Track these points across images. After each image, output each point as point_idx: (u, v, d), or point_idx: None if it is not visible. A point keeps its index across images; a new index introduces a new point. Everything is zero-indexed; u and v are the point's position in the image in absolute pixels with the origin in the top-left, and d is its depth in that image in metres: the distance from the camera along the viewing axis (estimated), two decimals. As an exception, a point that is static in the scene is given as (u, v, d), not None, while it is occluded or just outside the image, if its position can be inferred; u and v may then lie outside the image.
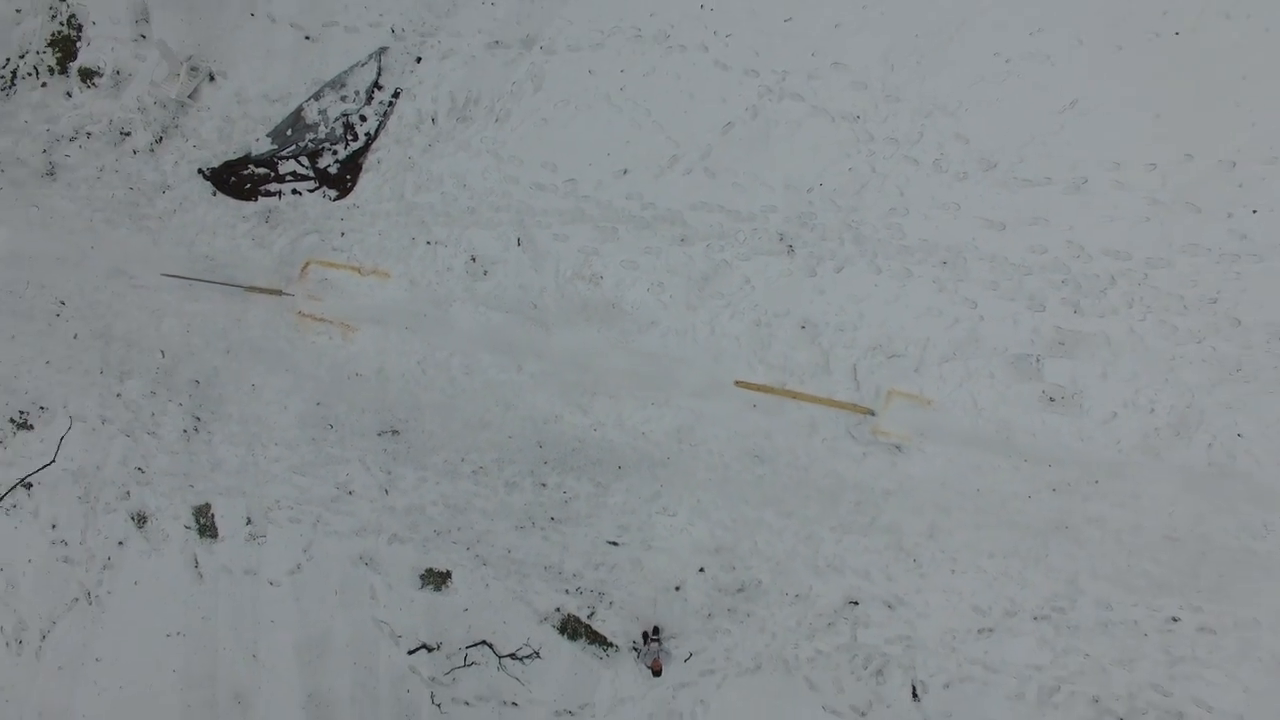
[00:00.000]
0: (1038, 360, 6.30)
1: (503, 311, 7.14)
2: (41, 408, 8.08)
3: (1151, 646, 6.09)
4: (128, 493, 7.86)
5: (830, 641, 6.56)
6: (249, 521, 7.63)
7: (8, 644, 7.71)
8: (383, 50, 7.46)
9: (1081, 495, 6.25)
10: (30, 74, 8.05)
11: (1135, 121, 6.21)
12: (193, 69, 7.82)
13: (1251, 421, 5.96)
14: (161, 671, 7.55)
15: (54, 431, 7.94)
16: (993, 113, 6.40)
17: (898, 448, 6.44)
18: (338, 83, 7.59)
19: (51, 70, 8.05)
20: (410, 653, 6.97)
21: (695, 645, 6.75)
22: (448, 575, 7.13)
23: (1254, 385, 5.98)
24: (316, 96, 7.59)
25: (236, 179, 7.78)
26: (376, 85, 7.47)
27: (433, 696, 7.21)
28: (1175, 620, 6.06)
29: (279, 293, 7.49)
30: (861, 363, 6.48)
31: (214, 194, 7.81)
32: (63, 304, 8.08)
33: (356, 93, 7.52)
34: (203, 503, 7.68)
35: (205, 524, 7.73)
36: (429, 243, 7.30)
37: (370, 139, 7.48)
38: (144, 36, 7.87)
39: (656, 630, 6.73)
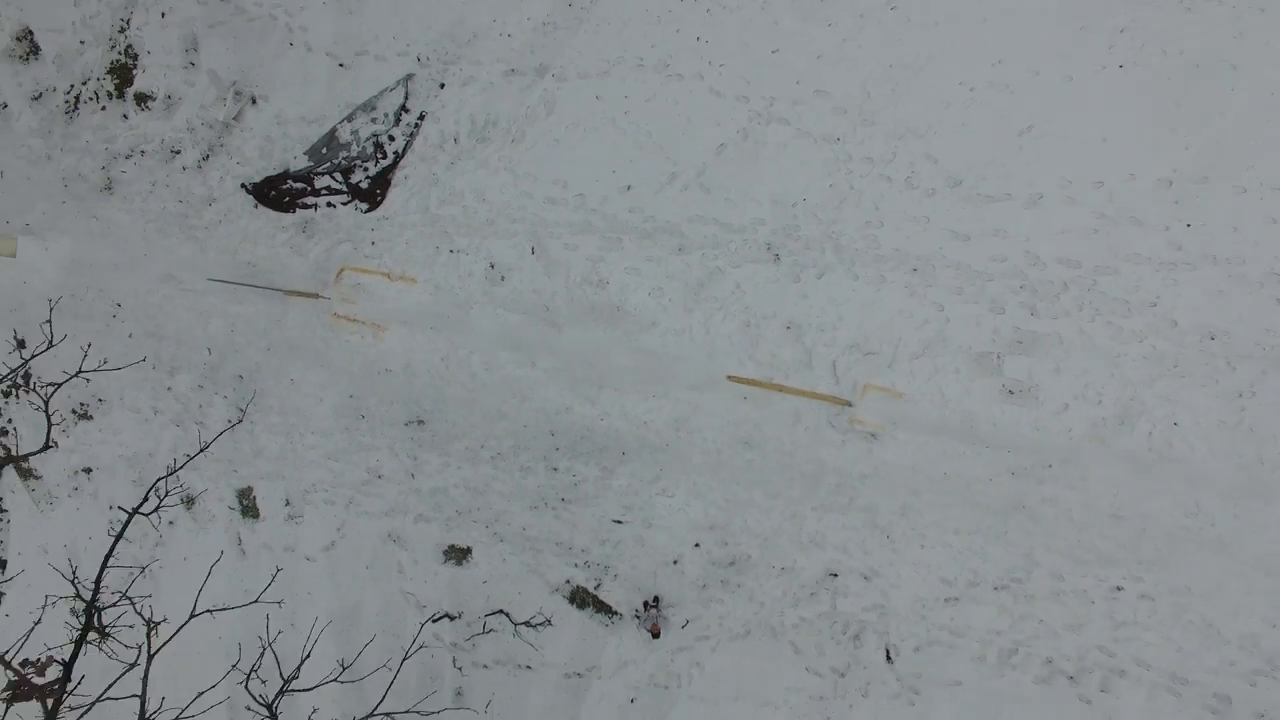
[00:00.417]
0: (998, 357, 6.72)
1: (518, 313, 7.61)
2: (99, 400, 8.65)
3: (1098, 613, 6.53)
4: (179, 478, 8.53)
5: (812, 610, 7.01)
6: (288, 503, 8.21)
7: (73, 612, 8.34)
8: (409, 77, 7.91)
9: (1037, 478, 6.66)
10: (91, 98, 8.62)
11: (1084, 144, 6.58)
12: (237, 93, 8.44)
13: (1186, 412, 6.38)
14: (208, 638, 8.15)
15: (111, 421, 8.55)
16: (958, 135, 6.79)
17: (873, 436, 6.88)
18: (368, 106, 8.03)
19: (110, 95, 8.61)
20: (434, 620, 7.55)
21: (691, 613, 7.21)
22: (468, 551, 7.65)
23: (1188, 380, 6.40)
24: (349, 118, 8.01)
25: (276, 193, 8.19)
26: (404, 108, 7.91)
27: (454, 660, 7.77)
28: (1119, 589, 6.50)
29: (315, 296, 8.02)
30: (840, 359, 6.93)
31: (255, 206, 8.23)
32: (119, 306, 8.64)
33: (385, 115, 7.98)
34: (245, 486, 8.21)
35: (248, 505, 8.31)
36: (451, 251, 7.84)
37: (398, 157, 7.92)
38: (193, 64, 8.34)
39: (656, 599, 7.20)
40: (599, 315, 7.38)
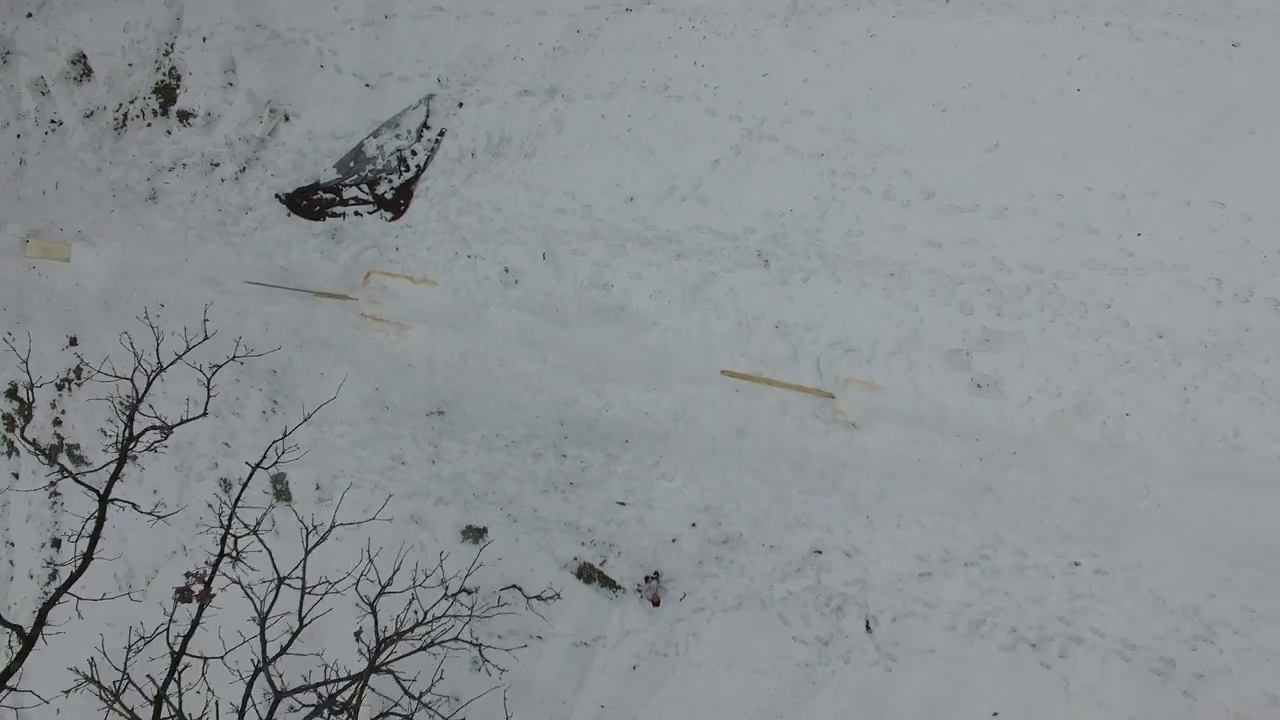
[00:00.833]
0: (967, 354, 7.17)
1: (530, 313, 8.09)
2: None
3: (1057, 586, 6.96)
4: (216, 463, 8.88)
5: (799, 584, 7.44)
6: (318, 487, 8.71)
7: (119, 586, 8.87)
8: (430, 97, 8.40)
9: (1002, 464, 7.10)
10: (138, 116, 9.16)
11: (1046, 160, 7.06)
12: (272, 111, 8.99)
13: (1137, 404, 6.84)
14: (245, 610, 8.70)
15: (159, 411, 9.06)
16: (932, 152, 7.27)
17: (853, 425, 7.34)
18: (393, 123, 8.51)
19: (155, 112, 9.16)
20: (453, 595, 8.08)
21: (688, 587, 7.65)
22: (484, 531, 8.11)
23: (1138, 375, 6.84)
24: (375, 134, 8.50)
25: (308, 202, 8.69)
26: (425, 125, 8.39)
27: (471, 631, 8.33)
28: (1076, 564, 6.96)
29: (344, 297, 8.55)
30: (824, 356, 7.40)
31: (288, 215, 8.74)
32: (162, 306, 9.10)
33: (408, 132, 8.44)
34: (279, 472, 8.74)
35: (281, 490, 8.82)
36: (469, 256, 8.35)
37: (420, 170, 8.40)
38: (231, 85, 8.87)
39: (656, 574, 7.62)
40: (604, 315, 7.86)
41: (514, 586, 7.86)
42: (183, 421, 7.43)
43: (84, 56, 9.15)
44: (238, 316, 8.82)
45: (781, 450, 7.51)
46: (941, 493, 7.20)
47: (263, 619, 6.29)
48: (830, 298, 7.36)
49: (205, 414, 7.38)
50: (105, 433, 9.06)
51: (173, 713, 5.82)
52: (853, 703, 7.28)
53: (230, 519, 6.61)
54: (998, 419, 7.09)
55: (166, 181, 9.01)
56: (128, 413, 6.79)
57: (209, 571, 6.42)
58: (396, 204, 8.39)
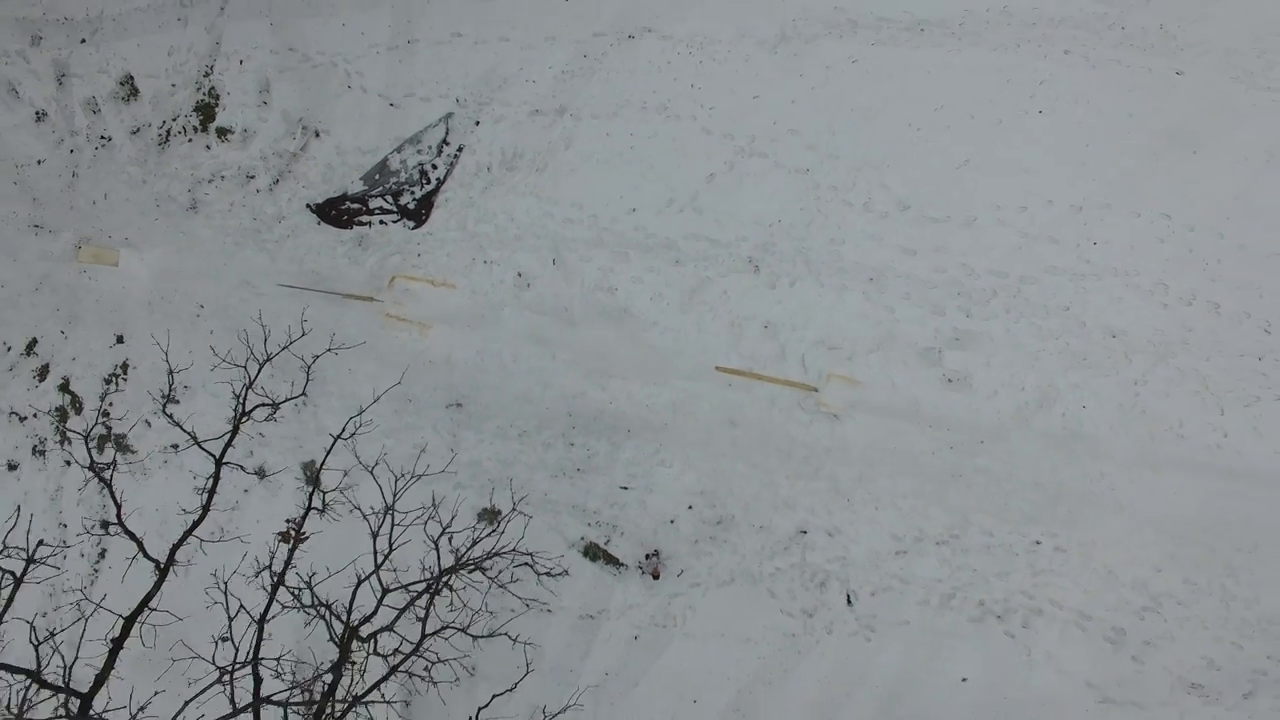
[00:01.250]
0: (939, 352, 7.63)
1: (541, 314, 8.57)
2: (185, 386, 9.73)
3: (1020, 563, 7.40)
4: (251, 452, 9.33)
5: (785, 561, 7.89)
6: (345, 474, 9.33)
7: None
8: (450, 115, 8.90)
9: (971, 452, 7.56)
10: (180, 132, 9.74)
11: (1011, 176, 7.53)
12: (303, 128, 9.57)
13: (1092, 397, 7.30)
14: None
15: (195, 405, 9.68)
16: (907, 167, 7.75)
17: (835, 416, 7.80)
18: (415, 139, 9.01)
19: (196, 129, 9.71)
20: (470, 571, 8.66)
21: (685, 564, 8.10)
22: (499, 513, 8.78)
23: (1094, 371, 7.31)
24: (398, 150, 9.00)
25: (336, 212, 9.20)
26: (445, 142, 8.90)
27: (487, 605, 8.87)
28: (1038, 543, 7.40)
29: (370, 299, 9.08)
30: (808, 353, 7.86)
31: (318, 223, 9.25)
32: (201, 307, 9.72)
33: (429, 147, 8.95)
34: (310, 459, 9.33)
35: (311, 476, 9.48)
36: (485, 262, 8.83)
37: (440, 183, 8.90)
38: (266, 104, 9.40)
39: (656, 552, 8.09)
40: (609, 316, 8.36)
41: (526, 563, 8.41)
42: (286, 400, 8.10)
43: (131, 78, 9.72)
44: (271, 317, 9.34)
45: (770, 439, 7.98)
46: (915, 478, 7.66)
47: (375, 534, 7.31)
48: (814, 300, 7.83)
49: (304, 394, 8.08)
50: (149, 424, 9.65)
51: (317, 601, 7.02)
52: (835, 670, 7.73)
53: (318, 476, 7.62)
54: (967, 411, 7.55)
55: (206, 192, 9.56)
56: (242, 393, 7.63)
57: (301, 519, 7.50)
58: (419, 214, 8.92)
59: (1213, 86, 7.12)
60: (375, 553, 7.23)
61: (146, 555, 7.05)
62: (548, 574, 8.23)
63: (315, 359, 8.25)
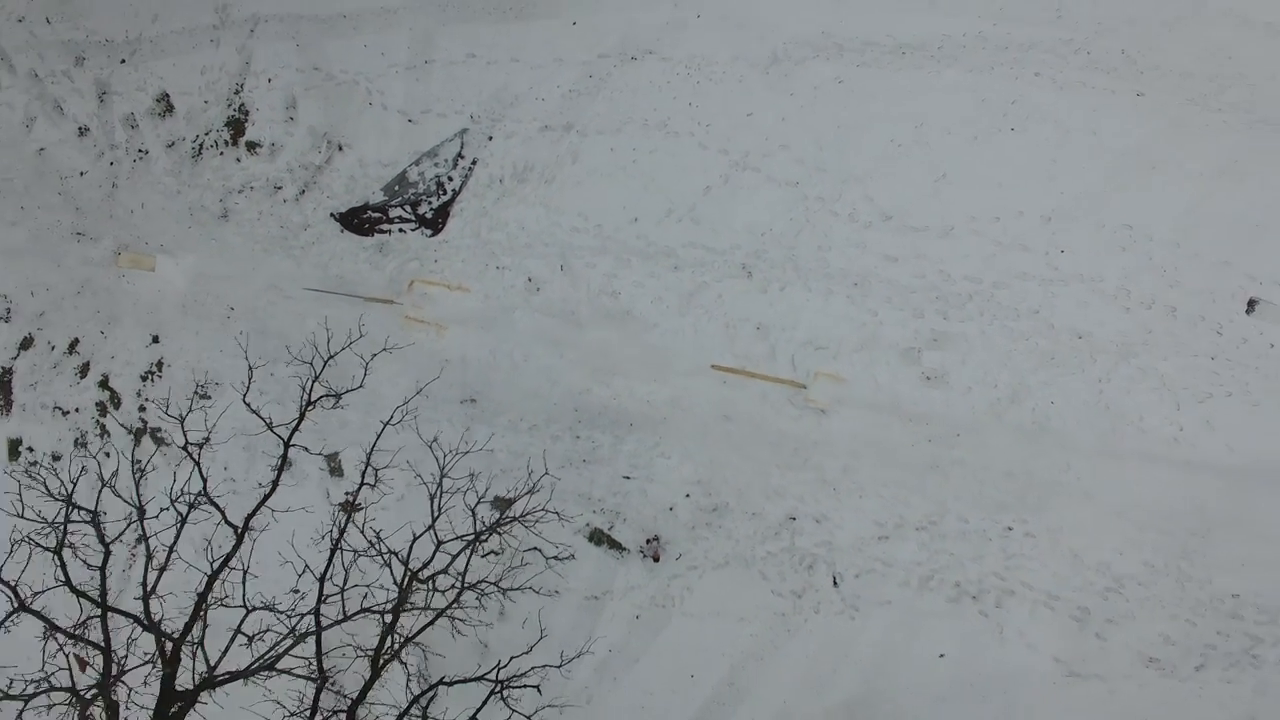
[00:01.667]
0: (918, 352, 7.98)
1: (550, 316, 8.96)
2: (216, 383, 10.14)
3: (993, 547, 7.73)
4: (278, 444, 10.11)
5: (776, 545, 8.25)
6: (393, 455, 9.62)
7: (196, 553, 9.97)
8: (464, 130, 9.28)
9: (948, 444, 7.91)
10: (212, 146, 10.19)
11: (985, 188, 7.88)
12: (327, 142, 10.06)
13: (1060, 394, 7.65)
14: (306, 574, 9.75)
15: (226, 400, 10.18)
16: (889, 181, 8.09)
17: (822, 411, 8.17)
18: (432, 153, 9.37)
19: (227, 143, 10.16)
20: (484, 556, 9.14)
21: (683, 548, 8.48)
22: (511, 502, 9.29)
23: (1062, 369, 7.66)
24: (417, 163, 9.37)
25: (358, 220, 9.62)
26: (460, 155, 9.27)
27: (499, 585, 9.35)
28: (1010, 529, 7.74)
29: (390, 302, 9.51)
30: (797, 353, 8.25)
31: (342, 231, 9.68)
32: (232, 309, 10.17)
33: (446, 160, 9.32)
34: (333, 451, 9.64)
35: (334, 467, 9.74)
36: (498, 268, 9.24)
37: (455, 194, 9.28)
38: (293, 119, 9.83)
39: (656, 537, 8.48)
40: (612, 318, 8.77)
41: (535, 549, 8.85)
42: (348, 390, 8.58)
43: (167, 95, 10.21)
44: (297, 318, 9.91)
45: (762, 433, 8.39)
46: (896, 469, 8.06)
47: (433, 496, 8.06)
48: (803, 304, 8.23)
49: (361, 386, 8.61)
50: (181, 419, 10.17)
51: (387, 550, 7.83)
52: (822, 646, 8.13)
53: (371, 455, 8.22)
54: (944, 406, 7.94)
55: (236, 202, 10.03)
56: (308, 384, 8.25)
57: (357, 491, 8.24)
58: (435, 222, 9.36)
59: (1170, 108, 7.53)
60: (434, 509, 7.93)
61: (228, 522, 7.78)
62: (556, 558, 8.67)
63: (373, 356, 8.74)
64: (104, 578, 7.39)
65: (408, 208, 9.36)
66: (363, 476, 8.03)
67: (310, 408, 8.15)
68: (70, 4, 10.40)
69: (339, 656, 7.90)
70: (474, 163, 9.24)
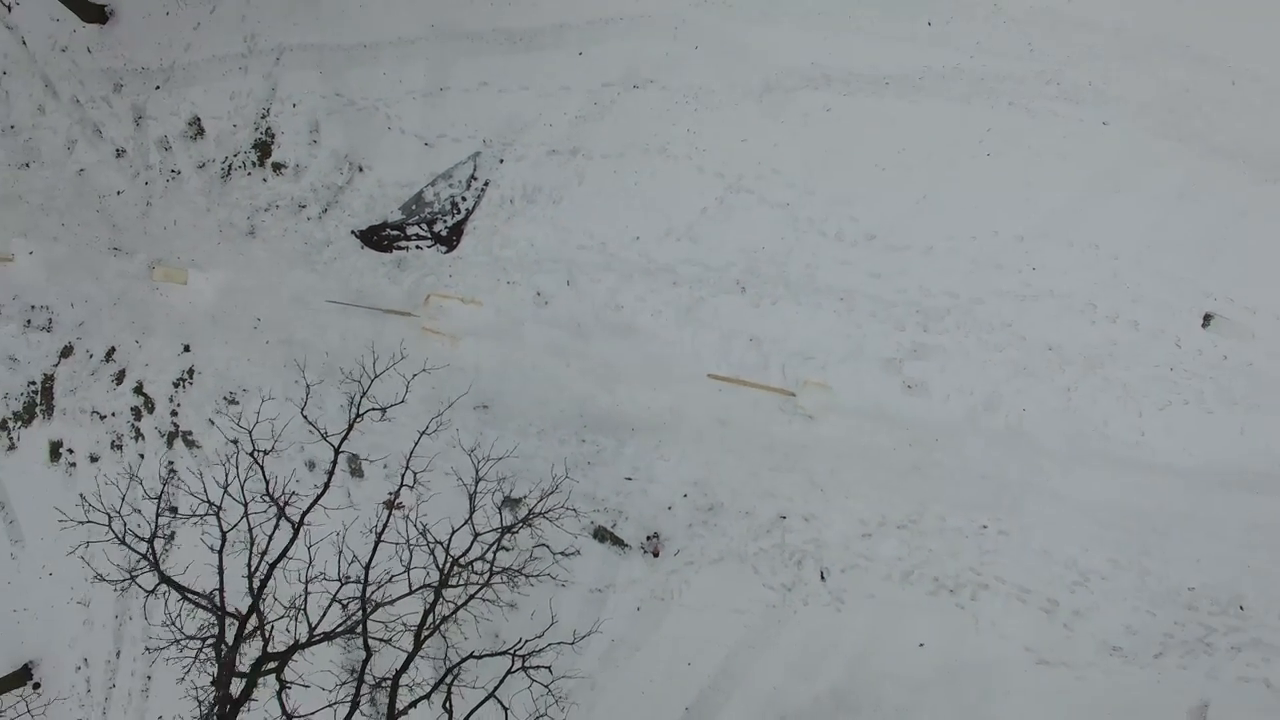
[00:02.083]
0: (900, 362, 8.36)
1: (557, 328, 9.34)
2: (244, 389, 10.66)
3: (970, 544, 8.09)
4: (302, 447, 10.19)
5: (768, 542, 8.62)
6: (385, 466, 10.32)
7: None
8: (477, 154, 9.68)
9: (927, 448, 8.28)
10: (240, 166, 10.64)
11: (963, 210, 8.28)
12: (349, 164, 10.56)
13: (1032, 402, 8.04)
14: (328, 564, 10.26)
15: (253, 405, 10.70)
16: (873, 202, 8.48)
17: (811, 418, 8.56)
18: (447, 175, 9.74)
19: (254, 164, 10.59)
20: (495, 551, 9.63)
21: (681, 544, 8.87)
22: (520, 500, 9.65)
23: (1034, 379, 8.05)
24: (432, 183, 9.74)
25: (378, 238, 10.01)
26: (473, 177, 9.65)
27: (508, 579, 9.84)
28: (985, 527, 8.10)
29: (407, 314, 9.92)
30: (788, 363, 8.63)
31: (362, 248, 10.08)
32: (259, 320, 10.62)
33: (460, 182, 9.69)
34: (354, 453, 10.26)
35: (355, 468, 10.15)
36: (508, 283, 9.60)
37: (469, 213, 9.67)
38: (316, 142, 10.26)
39: (656, 534, 8.86)
40: (616, 330, 9.16)
41: (543, 544, 9.32)
42: (393, 405, 9.04)
43: (199, 119, 10.68)
44: (320, 328, 10.41)
45: (755, 437, 8.78)
46: (880, 471, 8.45)
47: (471, 495, 8.64)
48: (793, 317, 8.63)
49: (404, 401, 9.11)
50: (212, 421, 10.72)
51: (432, 540, 8.44)
52: (810, 636, 8.54)
53: (410, 457, 8.72)
54: (924, 413, 8.33)
55: (263, 220, 10.47)
56: (357, 398, 8.78)
57: (398, 490, 8.73)
58: (450, 240, 9.78)
59: (1133, 135, 7.95)
60: (471, 506, 8.52)
61: (286, 518, 8.39)
62: (563, 553, 9.20)
63: (414, 376, 9.20)
64: (221, 559, 8.15)
65: (424, 226, 9.79)
66: (402, 478, 8.62)
67: (359, 419, 8.70)
68: (109, 34, 10.92)
69: (389, 630, 8.52)
70: (486, 184, 9.67)
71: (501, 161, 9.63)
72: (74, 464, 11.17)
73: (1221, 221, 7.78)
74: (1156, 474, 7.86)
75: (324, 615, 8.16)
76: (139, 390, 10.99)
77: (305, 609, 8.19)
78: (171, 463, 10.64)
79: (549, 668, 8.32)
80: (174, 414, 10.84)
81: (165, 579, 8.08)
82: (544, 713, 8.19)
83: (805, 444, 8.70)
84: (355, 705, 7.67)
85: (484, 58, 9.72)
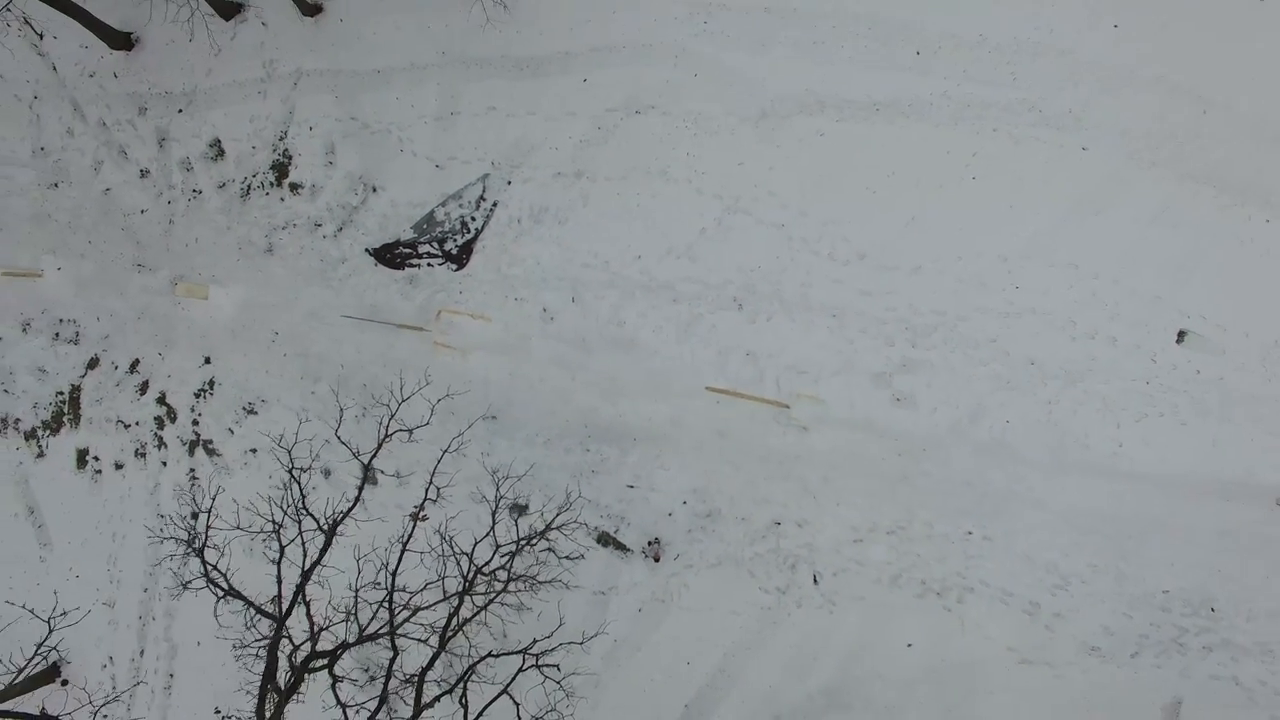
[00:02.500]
0: (889, 376, 8.69)
1: (563, 343, 9.65)
2: (262, 400, 10.96)
3: (955, 549, 8.43)
4: (318, 455, 10.55)
5: (763, 547, 8.94)
6: (398, 474, 10.68)
7: (226, 544, 10.73)
8: (486, 175, 9.98)
9: (915, 458, 8.60)
10: (259, 186, 10.96)
11: (949, 231, 8.57)
12: (363, 184, 10.84)
13: (1014, 414, 8.37)
14: (347, 563, 10.55)
15: (271, 415, 11.04)
16: (865, 224, 8.79)
17: (804, 429, 8.85)
18: (457, 195, 10.06)
19: (272, 184, 10.90)
20: (505, 555, 9.95)
21: (680, 549, 9.19)
22: (526, 506, 9.78)
23: (1016, 392, 8.38)
24: (443, 204, 10.08)
25: (391, 255, 10.33)
26: (482, 198, 9.98)
27: (536, 578, 10.02)
28: (970, 533, 8.42)
29: (420, 329, 10.27)
30: (782, 376, 8.95)
31: (376, 265, 10.39)
32: (276, 333, 10.91)
33: (469, 202, 10.02)
34: (368, 462, 10.77)
35: (370, 476, 10.50)
36: (516, 299, 9.92)
37: (478, 232, 9.98)
38: (332, 163, 10.58)
39: (657, 539, 9.20)
40: (619, 345, 9.49)
41: (549, 549, 9.70)
42: (419, 426, 9.40)
43: (219, 141, 11.01)
44: (335, 342, 10.74)
45: (751, 447, 9.09)
46: (870, 479, 8.76)
47: (493, 510, 9.03)
48: (787, 333, 8.96)
49: (429, 423, 9.47)
50: (232, 430, 11.06)
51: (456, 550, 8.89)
52: (804, 637, 8.85)
53: (434, 475, 9.15)
54: (912, 425, 8.65)
55: (280, 238, 10.79)
56: (385, 421, 9.21)
57: (422, 504, 9.15)
58: (460, 258, 10.10)
59: (1111, 161, 8.24)
60: (493, 520, 8.95)
61: (320, 528, 8.84)
62: (568, 557, 9.48)
63: (440, 399, 9.59)
64: (279, 569, 8.65)
65: (435, 244, 10.11)
66: (425, 492, 9.02)
67: (388, 439, 9.07)
68: (135, 60, 11.26)
69: (426, 632, 8.95)
70: (495, 205, 9.99)
71: (509, 183, 9.94)
72: (99, 471, 11.52)
73: (1195, 243, 8.08)
74: (1134, 483, 8.16)
75: (373, 618, 8.67)
76: (162, 400, 11.33)
77: (356, 613, 8.66)
78: (193, 470, 10.99)
79: (558, 666, 8.67)
80: (195, 423, 11.18)
81: (231, 591, 8.65)
82: (554, 707, 8.56)
83: (799, 454, 9.00)
84: (384, 700, 8.13)
85: (492, 83, 10.05)
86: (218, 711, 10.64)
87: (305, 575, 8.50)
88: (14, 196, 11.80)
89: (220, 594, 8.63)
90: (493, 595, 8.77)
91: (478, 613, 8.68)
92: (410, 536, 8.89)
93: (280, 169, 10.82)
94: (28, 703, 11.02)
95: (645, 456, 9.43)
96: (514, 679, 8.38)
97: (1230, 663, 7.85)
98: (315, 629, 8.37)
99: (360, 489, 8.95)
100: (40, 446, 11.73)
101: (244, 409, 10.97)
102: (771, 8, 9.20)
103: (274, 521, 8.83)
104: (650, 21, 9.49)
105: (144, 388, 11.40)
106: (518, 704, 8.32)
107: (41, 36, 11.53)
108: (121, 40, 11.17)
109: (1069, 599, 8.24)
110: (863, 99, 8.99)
